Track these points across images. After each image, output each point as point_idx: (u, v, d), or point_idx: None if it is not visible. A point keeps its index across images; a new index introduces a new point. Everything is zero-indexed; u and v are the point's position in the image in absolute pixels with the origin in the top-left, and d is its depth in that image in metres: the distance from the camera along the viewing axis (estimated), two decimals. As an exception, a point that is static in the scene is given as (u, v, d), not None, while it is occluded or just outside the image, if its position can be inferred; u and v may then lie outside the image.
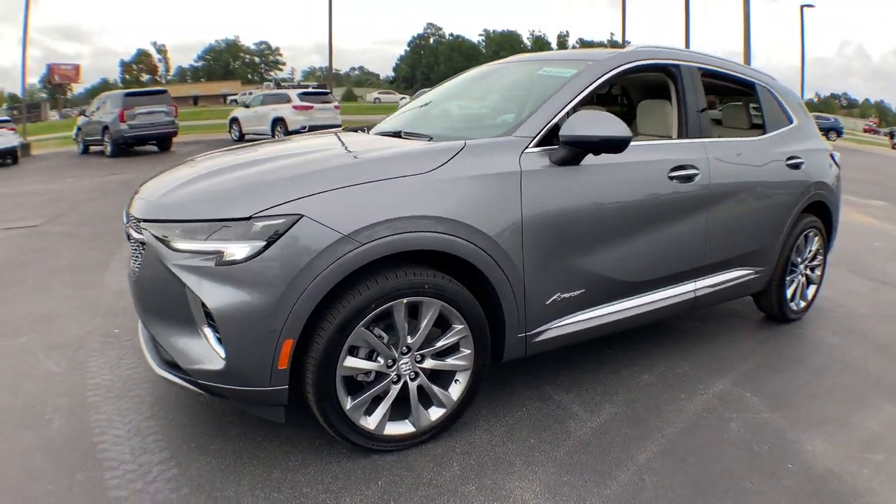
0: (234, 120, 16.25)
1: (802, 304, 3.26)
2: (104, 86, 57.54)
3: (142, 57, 69.03)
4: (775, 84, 3.21)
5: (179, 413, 2.21)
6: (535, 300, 2.08)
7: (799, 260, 3.18)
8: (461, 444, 2.03)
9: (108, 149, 13.17)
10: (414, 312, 1.88)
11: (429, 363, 1.96)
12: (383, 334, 1.88)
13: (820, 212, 3.22)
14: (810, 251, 3.23)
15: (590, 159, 2.15)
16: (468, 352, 1.99)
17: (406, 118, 2.91)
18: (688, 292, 2.61)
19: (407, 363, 1.92)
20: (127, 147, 13.26)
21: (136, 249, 1.95)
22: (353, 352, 1.83)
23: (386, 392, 1.91)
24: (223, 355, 1.71)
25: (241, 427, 2.10)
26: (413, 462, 1.93)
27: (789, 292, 3.15)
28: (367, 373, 1.89)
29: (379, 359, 1.88)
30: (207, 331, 1.76)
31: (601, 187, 2.19)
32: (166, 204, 1.86)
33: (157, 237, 1.80)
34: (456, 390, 2.02)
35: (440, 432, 2.04)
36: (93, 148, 14.40)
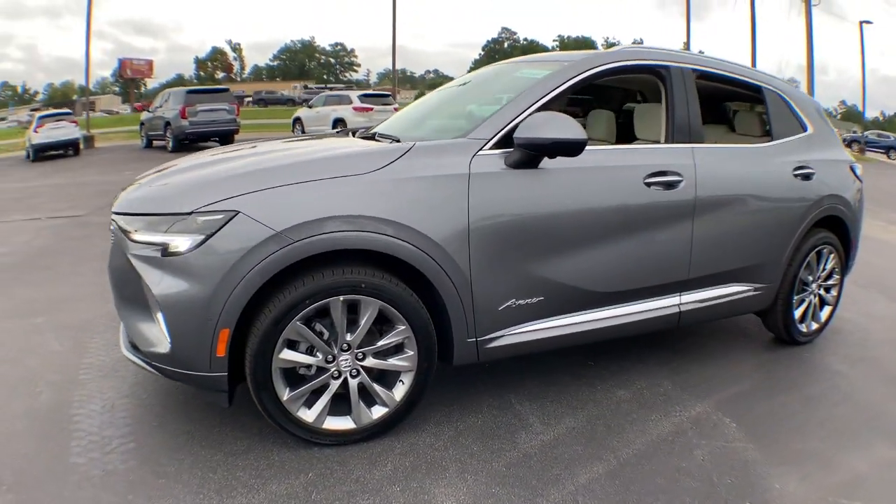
0: (298, 120, 16.70)
1: (814, 325, 2.99)
2: (179, 82, 60.92)
3: (216, 55, 72.03)
4: (789, 90, 2.97)
5: (153, 394, 2.35)
6: (486, 305, 2.04)
7: (810, 278, 2.92)
8: (402, 444, 2.03)
9: (170, 144, 13.64)
10: (355, 311, 1.91)
11: (370, 362, 1.97)
12: (325, 330, 1.92)
13: (836, 227, 2.95)
14: (824, 269, 2.96)
15: (552, 163, 2.09)
16: (411, 353, 1.99)
17: (394, 121, 2.96)
18: (670, 306, 2.47)
19: (347, 360, 1.95)
20: (188, 143, 13.57)
21: (112, 240, 2.11)
22: (293, 345, 1.88)
23: (326, 386, 1.95)
24: (169, 340, 1.82)
25: (203, 411, 2.20)
26: (349, 458, 1.95)
27: (798, 313, 2.90)
28: (309, 366, 1.93)
29: (318, 354, 1.92)
30: (160, 316, 1.87)
31: (563, 192, 2.12)
32: (131, 198, 2.00)
33: (122, 229, 1.94)
34: (400, 391, 2.02)
35: (384, 431, 2.05)
36: (156, 143, 14.98)
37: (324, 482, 1.82)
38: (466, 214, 1.95)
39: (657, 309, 2.44)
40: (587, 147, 2.27)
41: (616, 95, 3.64)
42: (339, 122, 14.70)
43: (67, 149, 14.51)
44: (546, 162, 2.08)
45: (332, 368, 1.94)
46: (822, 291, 3.00)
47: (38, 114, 16.89)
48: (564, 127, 1.95)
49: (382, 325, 1.96)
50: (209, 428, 2.10)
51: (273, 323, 1.80)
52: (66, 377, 2.49)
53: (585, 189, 2.17)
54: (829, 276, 3.00)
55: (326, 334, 1.92)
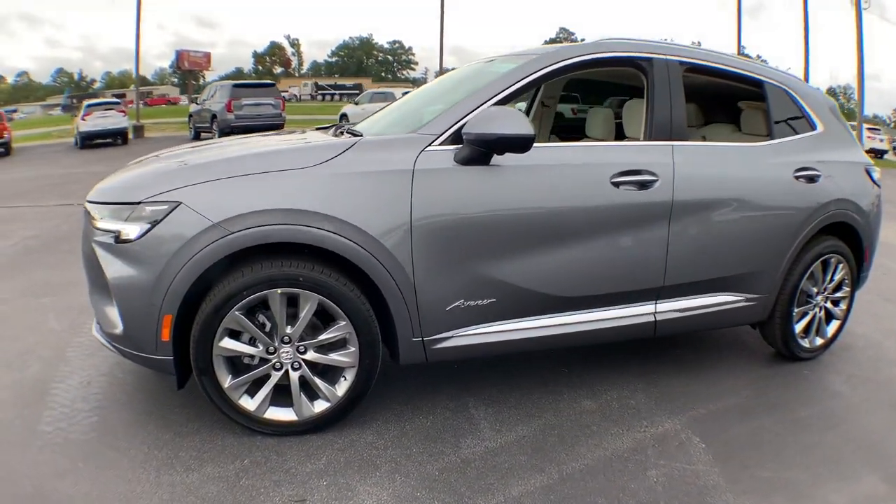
0: (344, 115, 16.99)
1: (819, 341, 2.73)
2: (238, 75, 62.88)
3: (275, 49, 73.58)
4: (798, 85, 2.72)
5: (128, 374, 2.47)
6: (431, 305, 2.00)
7: (814, 290, 2.67)
8: (343, 440, 2.02)
9: (216, 136, 14.00)
10: (297, 304, 1.92)
11: (311, 355, 1.98)
12: (267, 322, 1.94)
13: (846, 235, 2.68)
14: (831, 281, 2.69)
15: (507, 160, 2.01)
16: (353, 349, 1.98)
17: (374, 118, 2.94)
18: (644, 314, 2.32)
19: (288, 352, 1.96)
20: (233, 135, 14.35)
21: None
22: (237, 335, 1.92)
23: (267, 377, 1.97)
24: (121, 322, 1.90)
25: (170, 394, 2.28)
26: (287, 448, 1.96)
27: (799, 327, 2.65)
28: (253, 356, 1.96)
29: (259, 345, 1.94)
30: (114, 300, 1.96)
31: (516, 190, 2.04)
32: (100, 188, 2.10)
33: (89, 216, 2.04)
34: (342, 387, 2.02)
35: (327, 425, 2.05)
36: (203, 135, 15.29)
37: (256, 469, 1.85)
38: (409, 211, 1.91)
39: (629, 317, 2.30)
40: (552, 145, 2.18)
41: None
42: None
43: (116, 138, 14.91)
44: (502, 159, 2.01)
45: (274, 360, 1.96)
46: (829, 304, 2.73)
47: (85, 102, 17.42)
48: (511, 122, 1.87)
49: (328, 320, 1.96)
50: (170, 409, 2.18)
51: (213, 311, 1.84)
52: (55, 353, 2.66)
53: (542, 187, 2.07)
54: (837, 288, 2.73)
55: (269, 326, 1.94)
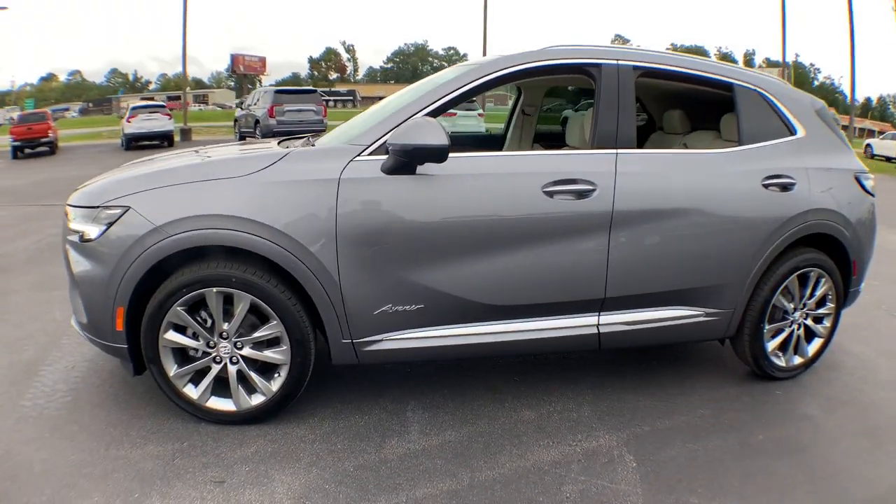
0: None
1: (798, 360, 2.52)
2: (294, 80, 63.97)
3: (330, 55, 74.86)
4: (776, 87, 2.51)
5: (108, 361, 2.73)
6: (359, 309, 2.08)
7: (790, 305, 2.47)
8: (277, 432, 2.15)
9: None
10: (233, 303, 2.07)
11: (247, 351, 2.12)
12: (209, 318, 2.11)
13: (831, 247, 2.45)
14: (812, 296, 2.48)
15: (434, 169, 2.05)
16: (285, 348, 2.10)
17: (337, 129, 3.02)
18: (586, 326, 2.27)
19: (226, 347, 2.12)
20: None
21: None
22: (181, 329, 2.10)
23: (209, 369, 2.14)
24: (85, 313, 2.14)
25: (137, 380, 2.50)
26: (224, 435, 2.12)
27: (772, 344, 2.47)
28: (196, 349, 2.14)
29: (200, 338, 2.11)
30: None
31: (442, 199, 2.06)
32: (75, 193, 2.36)
33: (66, 217, 2.31)
34: (277, 382, 2.14)
35: (266, 417, 2.18)
36: (248, 139, 15.65)
37: (191, 451, 2.02)
38: (334, 218, 2.00)
39: (570, 328, 2.26)
40: (480, 154, 2.18)
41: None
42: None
43: (162, 140, 15.28)
44: (429, 168, 2.05)
45: (214, 353, 2.13)
46: (809, 322, 2.52)
47: (131, 104, 17.95)
48: (427, 132, 1.92)
49: (266, 319, 2.09)
50: (133, 394, 2.42)
51: (157, 306, 2.03)
52: (51, 340, 2.99)
53: (468, 196, 2.09)
54: (820, 304, 2.51)
55: (210, 322, 2.11)
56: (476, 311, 2.17)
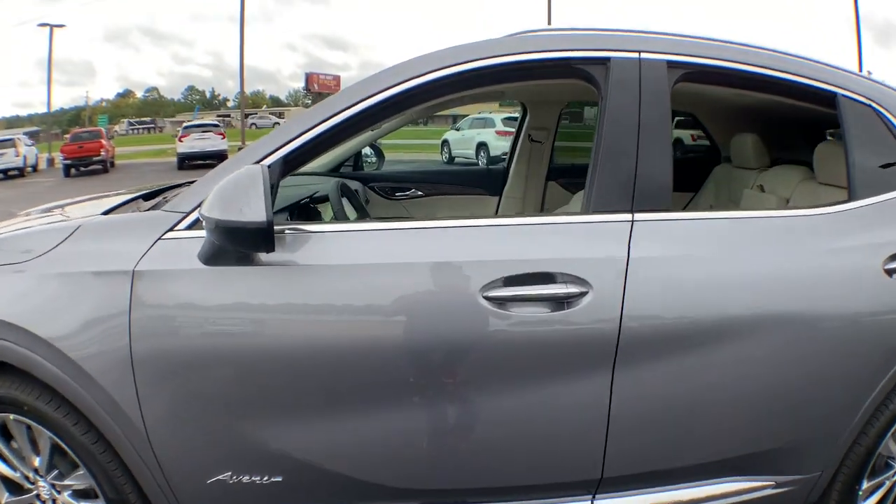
0: (445, 142, 15.57)
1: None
2: None
3: None
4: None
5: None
6: (182, 472, 1.35)
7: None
8: None
9: None
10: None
11: (65, 498, 1.52)
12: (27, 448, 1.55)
13: None
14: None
15: (286, 256, 1.18)
16: (102, 504, 1.45)
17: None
18: None
19: (46, 489, 1.54)
20: None
21: None
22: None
23: (32, 505, 1.59)
24: None
25: None
26: None
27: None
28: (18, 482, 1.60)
29: (17, 471, 1.56)
30: None
31: (305, 310, 1.24)
32: None
33: None
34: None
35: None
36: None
37: None
38: (128, 336, 1.26)
39: None
40: (375, 225, 1.28)
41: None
42: (482, 147, 13.56)
43: (215, 160, 14.70)
44: (282, 256, 1.18)
45: (35, 491, 1.57)
46: None
47: (184, 123, 18.01)
48: (237, 198, 1.06)
49: None
50: None
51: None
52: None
53: (350, 305, 1.20)
54: None
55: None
56: (375, 495, 1.25)
